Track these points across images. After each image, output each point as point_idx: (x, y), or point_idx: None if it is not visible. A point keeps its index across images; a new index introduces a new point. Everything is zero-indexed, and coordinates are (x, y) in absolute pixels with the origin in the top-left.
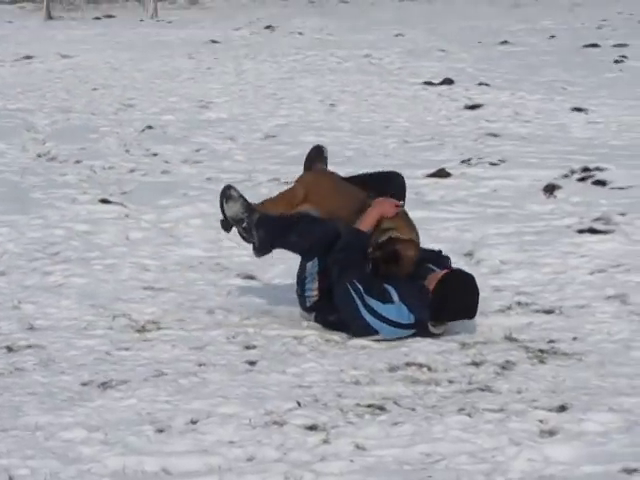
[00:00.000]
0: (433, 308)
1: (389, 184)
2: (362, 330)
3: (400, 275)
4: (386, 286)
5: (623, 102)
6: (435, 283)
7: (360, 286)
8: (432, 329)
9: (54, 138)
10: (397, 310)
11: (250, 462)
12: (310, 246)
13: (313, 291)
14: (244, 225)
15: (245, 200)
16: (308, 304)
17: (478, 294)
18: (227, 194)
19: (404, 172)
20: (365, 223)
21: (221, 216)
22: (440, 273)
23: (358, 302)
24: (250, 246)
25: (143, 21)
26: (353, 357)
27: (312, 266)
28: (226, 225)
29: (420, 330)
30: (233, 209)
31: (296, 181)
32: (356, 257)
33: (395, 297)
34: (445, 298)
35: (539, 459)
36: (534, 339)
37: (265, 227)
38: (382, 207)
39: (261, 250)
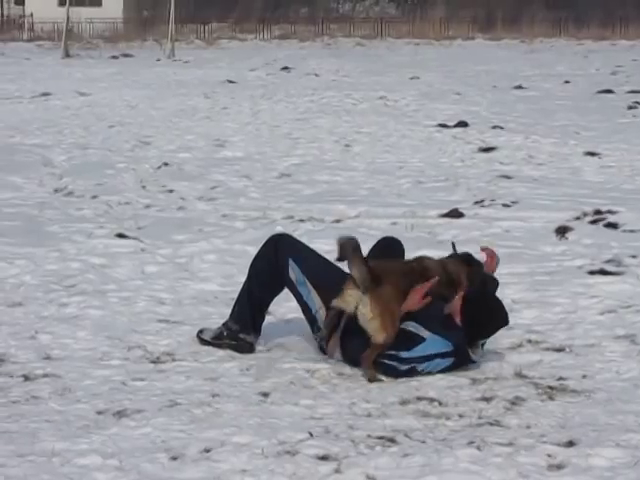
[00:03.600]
0: (468, 330)
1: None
2: (407, 375)
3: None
4: (409, 326)
5: (636, 147)
6: (460, 306)
7: (392, 352)
8: (472, 355)
9: (71, 174)
10: (432, 344)
11: None
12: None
13: (317, 304)
14: (225, 333)
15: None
16: (319, 322)
17: (501, 302)
18: (199, 337)
19: (418, 212)
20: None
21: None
22: (459, 297)
23: (399, 366)
24: None
25: (160, 60)
26: (365, 390)
27: (300, 282)
28: (219, 343)
29: (460, 358)
30: (208, 334)
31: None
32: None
33: (424, 333)
34: (479, 315)
35: None
36: (544, 376)
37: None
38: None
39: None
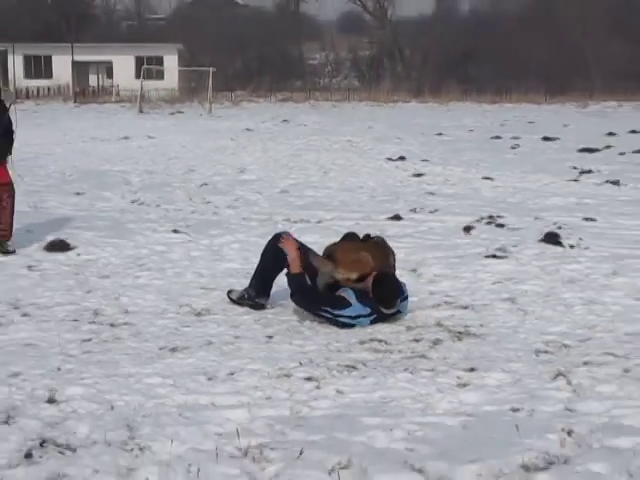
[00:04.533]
0: (377, 300)
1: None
2: (343, 326)
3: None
4: (345, 292)
5: (516, 174)
6: (371, 285)
7: (327, 308)
8: (385, 311)
9: (142, 190)
10: (356, 308)
11: (268, 400)
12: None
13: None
14: (246, 296)
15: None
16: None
17: (398, 282)
18: (228, 295)
19: (372, 216)
20: (292, 266)
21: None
22: (370, 277)
23: (334, 319)
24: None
25: (202, 115)
26: (336, 335)
27: None
28: (241, 302)
29: (378, 314)
30: (235, 294)
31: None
32: (308, 292)
33: (353, 299)
34: (380, 292)
35: (456, 402)
36: (455, 325)
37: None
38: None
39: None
